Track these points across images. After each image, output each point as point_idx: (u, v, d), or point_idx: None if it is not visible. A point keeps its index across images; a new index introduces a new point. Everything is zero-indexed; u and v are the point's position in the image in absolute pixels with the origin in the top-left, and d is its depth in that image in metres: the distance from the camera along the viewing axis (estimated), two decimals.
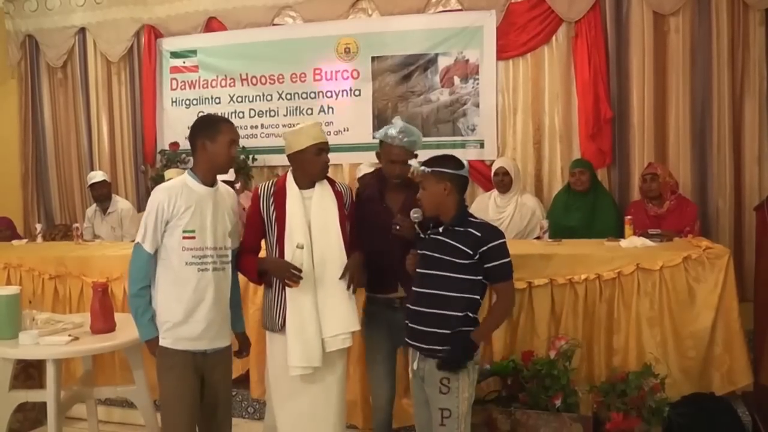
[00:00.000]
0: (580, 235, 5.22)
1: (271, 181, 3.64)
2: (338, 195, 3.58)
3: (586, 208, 5.57)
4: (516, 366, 4.15)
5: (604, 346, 4.32)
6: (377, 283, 3.70)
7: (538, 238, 5.28)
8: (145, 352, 3.50)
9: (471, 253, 3.12)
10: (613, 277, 4.26)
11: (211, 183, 3.40)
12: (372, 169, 5.01)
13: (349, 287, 3.46)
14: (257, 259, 3.58)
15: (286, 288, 3.44)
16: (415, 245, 3.36)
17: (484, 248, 3.12)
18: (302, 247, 3.40)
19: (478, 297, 3.20)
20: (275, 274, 3.47)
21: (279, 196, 3.53)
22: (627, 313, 4.26)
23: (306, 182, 3.53)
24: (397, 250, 3.53)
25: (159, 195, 3.31)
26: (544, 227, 5.05)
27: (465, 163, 3.26)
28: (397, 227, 3.46)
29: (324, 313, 3.46)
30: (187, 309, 3.29)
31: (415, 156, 3.58)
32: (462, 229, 3.16)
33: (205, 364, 3.38)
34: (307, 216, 3.48)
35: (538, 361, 4.10)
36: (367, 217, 3.68)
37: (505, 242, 3.18)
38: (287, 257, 3.43)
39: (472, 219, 3.21)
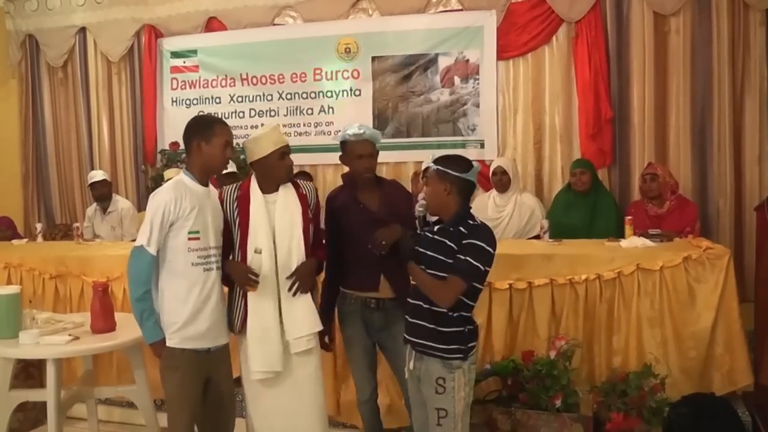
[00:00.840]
0: (581, 235, 5.21)
1: (235, 185, 3.64)
2: (302, 198, 3.58)
3: (586, 208, 5.56)
4: (516, 366, 4.15)
5: (604, 347, 4.32)
6: (357, 281, 3.72)
7: (537, 237, 5.29)
8: (147, 352, 3.51)
9: (455, 249, 3.10)
10: (613, 278, 4.26)
11: (205, 183, 3.42)
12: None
13: (290, 289, 3.45)
14: (224, 261, 3.55)
15: (247, 292, 3.46)
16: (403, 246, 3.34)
17: (465, 242, 3.09)
18: (260, 252, 3.42)
19: (468, 300, 3.16)
20: (234, 278, 3.49)
21: (243, 200, 3.53)
22: (627, 314, 4.26)
23: (270, 186, 3.53)
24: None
25: (164, 196, 3.29)
26: (545, 227, 5.05)
27: (475, 165, 3.23)
28: (375, 245, 3.46)
29: (287, 316, 3.47)
30: (194, 309, 3.31)
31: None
32: (454, 228, 3.15)
33: (209, 362, 3.40)
34: (271, 221, 3.48)
35: (538, 361, 4.10)
36: (346, 223, 3.71)
37: (486, 249, 3.10)
38: (250, 261, 3.44)
39: (471, 221, 3.18)
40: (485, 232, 3.15)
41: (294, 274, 3.46)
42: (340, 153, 3.77)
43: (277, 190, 3.53)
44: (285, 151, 3.51)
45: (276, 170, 3.51)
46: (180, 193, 3.29)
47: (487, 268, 3.13)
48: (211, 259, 3.36)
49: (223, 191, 3.60)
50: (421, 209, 3.30)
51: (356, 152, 3.68)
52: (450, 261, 3.09)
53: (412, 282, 3.25)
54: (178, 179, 3.40)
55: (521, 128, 6.60)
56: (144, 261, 3.28)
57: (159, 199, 3.30)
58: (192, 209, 3.29)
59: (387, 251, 3.39)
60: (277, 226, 3.48)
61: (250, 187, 3.56)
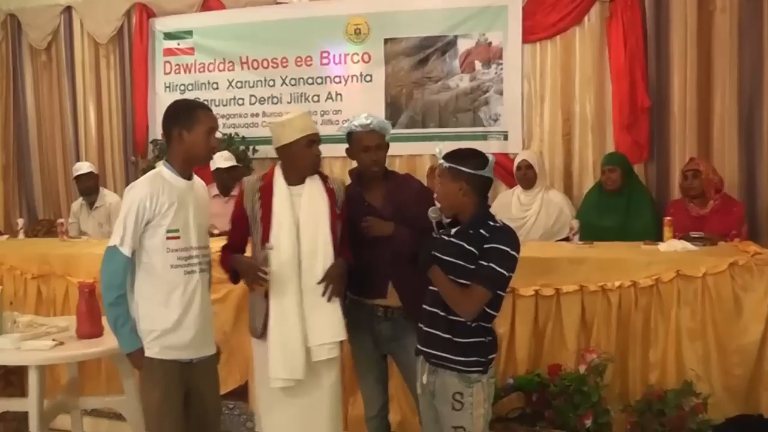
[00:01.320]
0: (614, 237, 5.18)
1: (257, 176, 3.67)
2: (330, 192, 3.59)
3: (620, 207, 5.55)
4: (542, 380, 4.15)
5: (639, 361, 4.29)
6: (363, 286, 3.73)
7: (567, 239, 5.28)
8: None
9: (477, 254, 3.07)
10: (650, 285, 4.24)
11: (188, 176, 3.40)
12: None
13: (323, 294, 3.47)
14: (232, 256, 3.59)
15: (269, 293, 3.47)
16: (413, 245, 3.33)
17: (487, 246, 3.06)
18: (271, 248, 3.43)
19: (490, 310, 3.14)
20: (241, 275, 3.51)
21: (266, 192, 3.54)
22: (665, 325, 4.23)
23: (295, 177, 3.55)
24: (385, 252, 3.59)
25: (139, 191, 3.28)
26: (575, 228, 5.03)
27: (490, 159, 3.19)
28: (365, 227, 3.54)
29: (310, 320, 3.48)
30: (176, 316, 3.29)
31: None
32: (474, 231, 3.13)
33: (191, 375, 3.39)
34: (295, 215, 3.49)
35: (566, 376, 4.10)
36: (350, 222, 3.71)
37: (511, 253, 3.08)
38: (272, 258, 3.46)
39: (492, 222, 3.15)
40: (508, 235, 3.14)
41: (325, 277, 3.47)
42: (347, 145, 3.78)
43: (303, 181, 3.54)
44: (313, 140, 3.52)
45: (301, 159, 3.52)
46: (157, 188, 3.28)
47: (511, 274, 3.12)
48: (194, 260, 3.34)
49: (244, 182, 3.63)
50: (434, 215, 3.27)
51: (363, 144, 3.68)
52: (471, 267, 3.07)
53: (431, 288, 3.23)
54: (157, 172, 3.39)
55: (549, 118, 6.59)
56: (118, 262, 3.26)
57: (133, 194, 3.29)
58: (170, 205, 3.27)
59: (407, 257, 3.36)
60: (302, 222, 3.49)
61: (274, 177, 3.56)
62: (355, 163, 3.82)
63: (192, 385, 3.40)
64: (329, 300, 3.48)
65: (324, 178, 3.62)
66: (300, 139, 3.48)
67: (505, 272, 3.06)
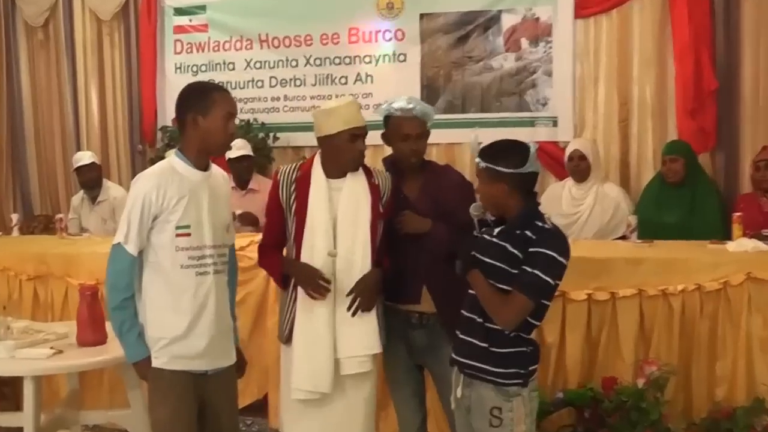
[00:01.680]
0: (677, 235, 5.16)
1: (295, 165, 3.66)
2: (374, 189, 3.59)
3: (683, 202, 5.53)
4: (595, 395, 4.15)
5: (705, 374, 4.28)
6: (394, 290, 3.72)
7: (623, 237, 5.27)
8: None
9: (521, 257, 3.06)
10: (717, 289, 4.22)
11: (204, 167, 3.38)
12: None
13: (349, 309, 3.48)
14: (283, 259, 3.61)
15: (298, 297, 3.49)
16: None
17: (533, 250, 3.05)
18: (335, 255, 3.45)
19: (532, 320, 3.13)
20: (299, 282, 3.51)
21: (302, 183, 3.55)
22: (735, 334, 4.22)
23: (336, 171, 3.56)
24: (420, 252, 3.59)
25: (144, 184, 3.28)
26: (632, 225, 5.02)
27: (532, 150, 3.15)
28: (399, 222, 3.55)
29: (341, 329, 3.50)
30: (186, 322, 3.29)
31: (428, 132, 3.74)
32: (519, 232, 3.11)
33: (206, 388, 3.39)
34: (333, 212, 3.51)
35: (622, 390, 4.09)
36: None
37: (558, 260, 3.06)
38: (304, 259, 3.48)
39: (540, 223, 3.12)
40: (557, 239, 3.12)
41: (354, 289, 3.48)
42: (380, 132, 3.77)
43: (344, 175, 3.55)
44: (357, 134, 3.50)
45: (343, 154, 3.52)
46: (165, 179, 3.27)
47: (558, 282, 3.11)
48: (207, 260, 3.32)
49: (280, 171, 3.63)
50: (476, 212, 3.27)
51: (402, 131, 3.68)
52: (513, 271, 3.07)
53: (470, 291, 3.24)
54: (167, 162, 3.38)
55: (603, 102, 6.57)
56: (122, 262, 3.27)
57: (138, 187, 3.29)
58: (180, 199, 3.26)
59: (444, 258, 3.37)
60: (340, 220, 3.51)
61: (312, 167, 3.58)
62: (388, 151, 3.82)
63: (206, 399, 3.40)
64: (353, 314, 3.48)
65: (368, 173, 3.62)
66: (343, 132, 3.47)
67: (550, 280, 3.05)
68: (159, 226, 3.26)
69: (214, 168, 3.48)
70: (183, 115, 3.37)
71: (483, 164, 3.15)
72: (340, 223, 3.50)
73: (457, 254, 3.20)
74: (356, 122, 3.50)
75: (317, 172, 3.55)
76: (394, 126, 3.70)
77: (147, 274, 3.32)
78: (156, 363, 3.29)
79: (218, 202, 3.41)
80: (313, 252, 3.47)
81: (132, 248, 3.25)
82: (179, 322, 3.28)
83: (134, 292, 3.32)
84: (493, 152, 3.17)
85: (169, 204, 3.24)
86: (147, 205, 3.23)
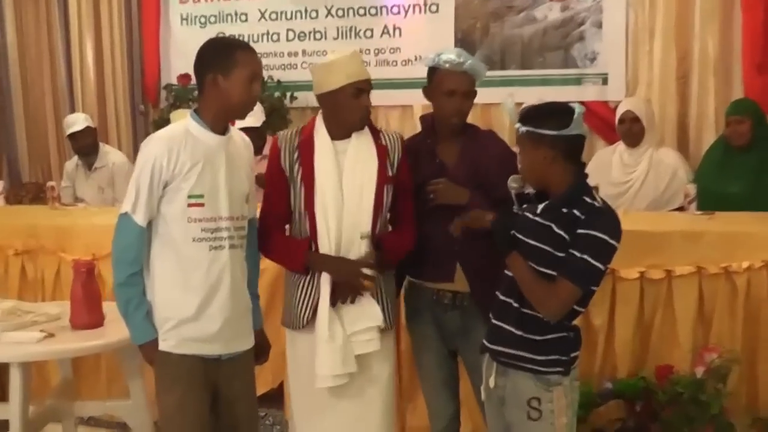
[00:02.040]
0: (742, 206, 5.15)
1: (295, 129, 3.68)
2: (381, 150, 3.59)
3: (748, 168, 5.50)
4: (648, 386, 4.15)
5: None
6: (426, 267, 3.73)
7: (681, 209, 5.25)
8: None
9: (567, 239, 3.05)
10: None
11: (222, 130, 3.39)
12: None
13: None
14: (305, 251, 3.56)
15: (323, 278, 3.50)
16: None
17: (581, 231, 3.03)
18: (367, 237, 3.47)
19: (577, 306, 3.13)
20: (338, 279, 3.49)
21: (305, 148, 3.56)
22: None
23: (340, 131, 3.56)
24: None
25: (154, 148, 3.27)
26: (691, 194, 5.01)
27: (577, 111, 3.10)
28: (432, 191, 3.54)
29: (344, 306, 3.53)
30: (197, 301, 3.30)
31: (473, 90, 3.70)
32: (567, 210, 3.09)
33: (219, 375, 3.41)
34: (339, 175, 3.52)
35: (678, 381, 4.09)
36: (416, 182, 3.69)
37: (610, 243, 3.04)
38: (320, 231, 3.48)
39: (589, 200, 3.11)
40: (609, 218, 3.10)
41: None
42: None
43: (349, 135, 3.56)
44: (362, 87, 3.50)
45: (346, 111, 3.52)
46: (178, 143, 3.26)
47: (608, 266, 3.11)
48: (222, 233, 3.32)
49: (279, 137, 3.63)
50: (515, 185, 3.25)
51: (448, 87, 3.65)
52: (558, 254, 3.06)
53: (506, 273, 3.23)
54: (181, 124, 3.38)
55: (659, 58, 6.53)
56: (129, 233, 3.28)
57: (147, 150, 3.29)
58: (194, 165, 3.26)
59: (482, 234, 3.35)
60: (345, 185, 3.52)
61: (314, 130, 3.59)
62: (419, 112, 3.80)
63: (220, 386, 3.42)
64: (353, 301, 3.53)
65: (375, 133, 3.62)
66: (346, 87, 3.46)
67: (600, 266, 3.04)
68: (170, 195, 3.27)
69: (234, 132, 3.49)
70: (202, 74, 3.35)
71: (523, 128, 3.13)
72: (345, 189, 3.51)
73: (493, 233, 3.20)
74: (360, 75, 3.50)
75: (321, 134, 3.57)
76: (440, 80, 3.67)
77: (156, 248, 3.33)
78: (163, 346, 3.31)
79: (237, 170, 3.41)
80: (328, 221, 3.47)
81: (140, 218, 3.26)
82: (189, 301, 3.29)
83: (142, 267, 3.33)
84: (533, 114, 3.16)
85: (182, 170, 3.24)
86: (157, 170, 3.23)
